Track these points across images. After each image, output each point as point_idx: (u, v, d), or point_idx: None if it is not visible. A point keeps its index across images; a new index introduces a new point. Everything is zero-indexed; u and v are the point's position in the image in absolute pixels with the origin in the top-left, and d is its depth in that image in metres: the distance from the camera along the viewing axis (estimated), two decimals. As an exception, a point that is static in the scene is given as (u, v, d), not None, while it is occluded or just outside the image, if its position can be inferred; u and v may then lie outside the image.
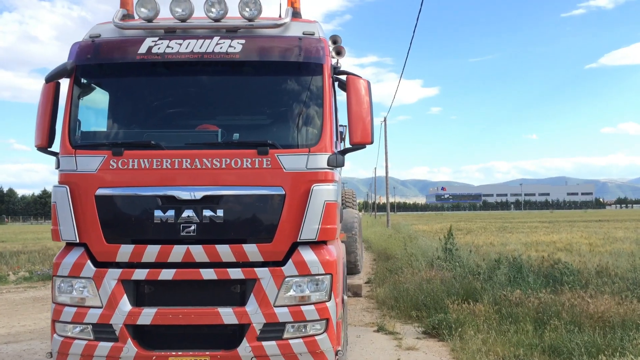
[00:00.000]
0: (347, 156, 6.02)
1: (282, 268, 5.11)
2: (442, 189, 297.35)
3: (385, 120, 41.83)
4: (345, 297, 5.96)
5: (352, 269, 13.99)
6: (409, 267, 13.96)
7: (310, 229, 5.15)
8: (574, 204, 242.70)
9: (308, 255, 5.17)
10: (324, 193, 5.22)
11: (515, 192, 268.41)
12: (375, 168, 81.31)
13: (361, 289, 13.27)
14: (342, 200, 19.58)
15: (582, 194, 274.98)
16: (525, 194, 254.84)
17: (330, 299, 5.21)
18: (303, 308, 5.09)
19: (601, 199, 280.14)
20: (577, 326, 7.93)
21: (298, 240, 5.15)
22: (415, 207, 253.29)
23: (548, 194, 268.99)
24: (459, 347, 7.60)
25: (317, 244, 5.26)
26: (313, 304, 5.13)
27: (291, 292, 5.11)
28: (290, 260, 5.13)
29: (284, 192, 5.14)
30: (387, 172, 41.42)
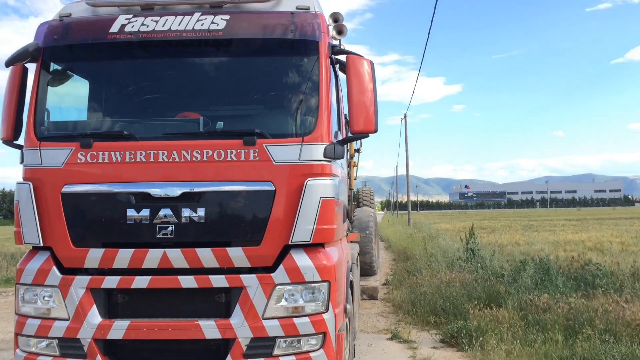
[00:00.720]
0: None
1: (272, 275, 4.47)
2: (466, 187, 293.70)
3: (405, 117, 40.94)
4: (349, 306, 5.30)
5: (367, 270, 13.30)
6: (428, 269, 13.20)
7: (303, 230, 4.49)
8: (602, 201, 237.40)
9: (302, 260, 4.51)
10: (319, 188, 4.56)
11: (541, 190, 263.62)
12: (396, 166, 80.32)
13: (377, 292, 12.58)
14: (358, 198, 19.00)
15: (610, 191, 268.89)
16: (552, 192, 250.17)
17: (327, 310, 4.55)
18: (296, 321, 4.44)
19: (630, 196, 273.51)
20: (612, 335, 7.12)
21: (290, 242, 4.51)
22: (438, 206, 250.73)
23: (575, 192, 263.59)
24: (480, 359, 6.86)
25: (312, 247, 4.61)
26: (307, 315, 4.47)
27: (282, 303, 4.46)
28: (281, 266, 4.48)
29: (273, 188, 4.49)
30: (407, 170, 40.53)
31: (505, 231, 31.52)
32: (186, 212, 4.45)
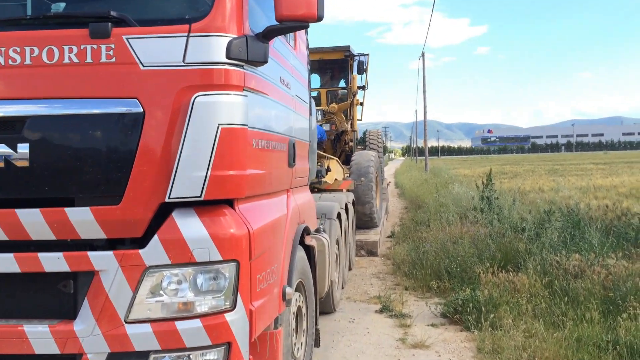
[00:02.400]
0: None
1: (141, 252, 2.75)
2: (489, 131, 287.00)
3: (422, 55, 38.20)
4: (290, 289, 3.59)
5: (367, 222, 11.64)
6: (436, 220, 11.45)
7: (190, 179, 2.75)
8: (630, 144, 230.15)
9: (190, 227, 2.78)
10: (218, 109, 2.78)
11: (567, 134, 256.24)
12: (415, 110, 77.02)
13: (377, 247, 10.94)
14: (365, 141, 17.17)
15: (639, 134, 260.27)
16: (578, 135, 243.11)
17: (234, 305, 2.84)
18: (180, 325, 2.74)
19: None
20: (667, 312, 5.37)
21: (168, 199, 2.77)
22: (459, 151, 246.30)
23: (602, 135, 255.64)
24: (490, 346, 5.18)
25: (211, 207, 2.87)
26: (200, 316, 2.78)
27: (159, 297, 2.77)
28: (155, 238, 2.76)
29: (140, 109, 2.73)
30: (425, 112, 38.12)
31: (528, 176, 29.50)
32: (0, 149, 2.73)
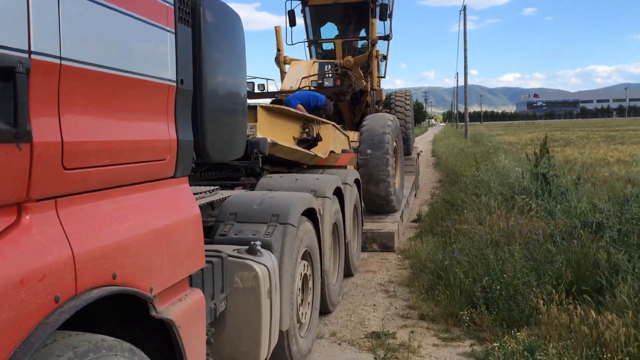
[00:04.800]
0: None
1: None
2: (535, 95, 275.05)
3: (464, 8, 34.40)
4: None
5: (382, 206, 8.95)
6: (473, 207, 8.67)
7: None
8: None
9: None
10: None
11: (619, 98, 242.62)
12: (457, 73, 72.18)
13: (393, 240, 8.26)
14: (390, 103, 14.38)
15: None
16: (630, 100, 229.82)
17: None
18: None
19: None
20: None
21: None
22: (503, 117, 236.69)
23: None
24: None
25: None
26: None
27: None
28: None
29: None
30: (465, 72, 34.53)
31: (584, 144, 25.96)
32: None
